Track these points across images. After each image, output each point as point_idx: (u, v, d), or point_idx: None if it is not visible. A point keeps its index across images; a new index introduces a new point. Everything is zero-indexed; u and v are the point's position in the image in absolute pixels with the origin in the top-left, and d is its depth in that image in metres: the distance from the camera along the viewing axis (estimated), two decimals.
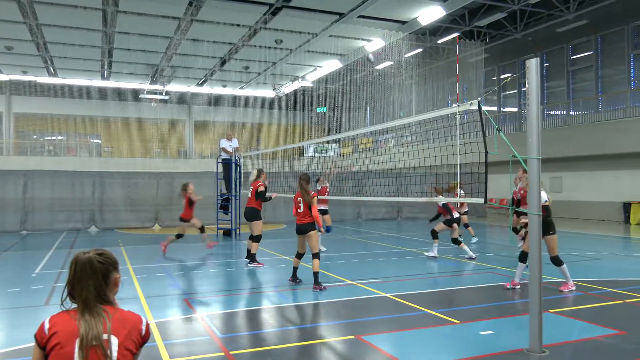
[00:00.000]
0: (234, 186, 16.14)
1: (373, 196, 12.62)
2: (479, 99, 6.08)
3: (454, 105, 6.90)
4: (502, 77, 26.30)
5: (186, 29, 20.92)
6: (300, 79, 29.00)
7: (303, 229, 8.43)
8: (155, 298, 7.73)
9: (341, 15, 19.41)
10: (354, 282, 8.71)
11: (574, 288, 7.96)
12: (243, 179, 15.88)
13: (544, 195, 7.50)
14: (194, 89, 31.89)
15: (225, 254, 13.72)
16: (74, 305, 2.21)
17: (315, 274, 8.23)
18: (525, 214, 10.48)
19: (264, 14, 19.29)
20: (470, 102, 6.16)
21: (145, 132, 32.09)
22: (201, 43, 22.40)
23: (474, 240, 14.49)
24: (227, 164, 16.25)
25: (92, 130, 33.22)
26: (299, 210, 8.50)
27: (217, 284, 9.03)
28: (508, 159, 5.39)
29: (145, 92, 28.59)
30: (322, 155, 23.10)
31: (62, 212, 18.43)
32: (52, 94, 29.61)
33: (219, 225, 17.01)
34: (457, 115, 7.22)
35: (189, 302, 7.48)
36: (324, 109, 34.21)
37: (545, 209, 7.59)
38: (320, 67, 27.04)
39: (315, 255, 8.39)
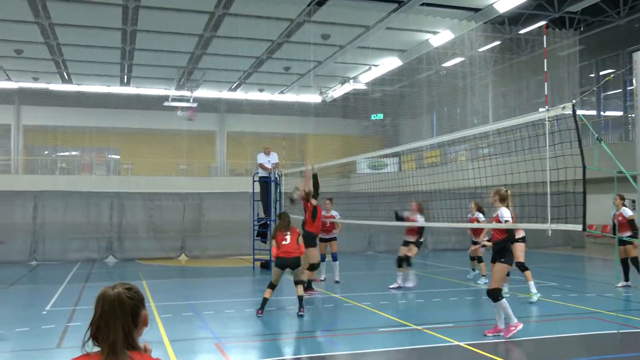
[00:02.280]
0: (273, 209, 16.29)
1: (441, 221, 12.45)
2: (574, 101, 5.96)
3: (541, 109, 6.80)
4: (601, 73, 25.62)
5: (217, 25, 21.48)
6: (351, 81, 29.16)
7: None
8: (182, 342, 7.88)
9: (400, 3, 19.48)
10: (419, 327, 8.60)
11: None
12: (284, 201, 16.02)
13: (628, 211, 7.32)
14: (226, 94, 32.57)
15: (263, 290, 13.82)
16: (96, 349, 2.30)
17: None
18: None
19: (308, 5, 19.59)
20: (562, 106, 6.06)
21: (169, 146, 32.92)
22: (234, 41, 22.91)
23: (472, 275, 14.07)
24: (265, 182, 16.44)
25: (109, 144, 34.35)
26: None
27: (254, 327, 9.11)
28: (612, 175, 5.25)
29: (170, 99, 29.41)
30: (379, 171, 23.04)
31: (75, 239, 19.07)
32: (66, 103, 30.88)
33: (256, 256, 17.15)
34: (546, 122, 7.08)
35: (220, 347, 7.57)
36: (380, 116, 34.17)
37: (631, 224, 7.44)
38: (376, 65, 27.12)
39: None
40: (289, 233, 9.69)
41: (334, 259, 13.51)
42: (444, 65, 27.05)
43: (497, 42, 24.49)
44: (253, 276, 15.69)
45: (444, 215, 11.17)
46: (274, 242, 9.86)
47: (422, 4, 19.31)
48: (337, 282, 13.27)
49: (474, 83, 27.24)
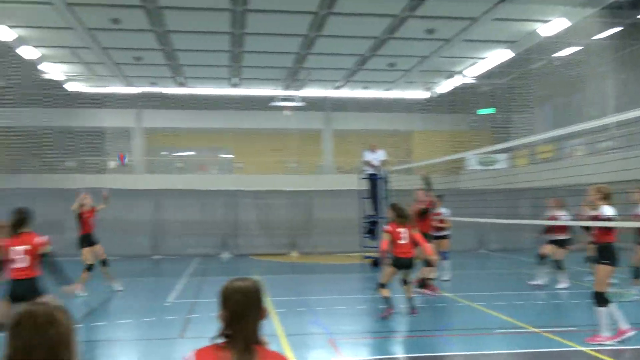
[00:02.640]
0: (381, 206, 16.27)
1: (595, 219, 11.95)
2: None
3: None
4: None
5: (321, 25, 21.70)
6: (458, 75, 28.52)
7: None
8: (297, 336, 8.08)
9: None
10: (537, 330, 8.29)
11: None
12: (393, 198, 15.96)
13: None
14: (331, 93, 32.86)
15: (373, 288, 13.86)
16: (219, 340, 2.40)
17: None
18: None
19: (411, 0, 19.37)
20: None
21: (278, 145, 33.71)
22: (338, 39, 23.05)
23: None
24: (372, 179, 16.45)
25: (222, 144, 35.68)
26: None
27: (365, 324, 9.17)
28: None
29: (277, 99, 30.11)
30: (490, 168, 22.39)
31: (192, 236, 20.06)
32: (182, 105, 32.44)
33: (366, 254, 17.20)
34: None
35: (334, 343, 7.68)
36: (490, 110, 33.13)
37: None
38: (484, 58, 26.32)
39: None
40: (404, 230, 9.20)
41: (444, 257, 13.27)
42: (557, 55, 25.79)
43: (617, 29, 23.02)
44: (363, 274, 15.77)
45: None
46: (386, 235, 9.22)
47: None
48: (445, 280, 13.06)
49: (591, 72, 25.78)
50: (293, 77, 29.08)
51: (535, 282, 12.12)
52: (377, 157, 16.36)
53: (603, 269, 7.41)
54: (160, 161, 34.81)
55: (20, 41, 21.82)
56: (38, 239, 6.62)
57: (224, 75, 29.42)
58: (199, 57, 25.67)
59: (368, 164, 16.41)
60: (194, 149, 35.85)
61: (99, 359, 7.10)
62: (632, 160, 8.51)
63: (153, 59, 25.91)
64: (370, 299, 11.75)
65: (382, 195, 16.33)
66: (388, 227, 9.26)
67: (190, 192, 21.19)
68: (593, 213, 7.69)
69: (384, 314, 8.92)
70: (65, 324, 2.09)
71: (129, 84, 30.25)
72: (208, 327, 8.44)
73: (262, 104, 31.97)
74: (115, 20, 20.12)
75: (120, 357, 7.44)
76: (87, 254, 11.57)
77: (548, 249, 11.99)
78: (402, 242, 9.07)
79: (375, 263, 16.56)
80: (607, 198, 7.56)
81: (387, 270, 9.27)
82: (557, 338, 7.69)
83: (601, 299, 7.33)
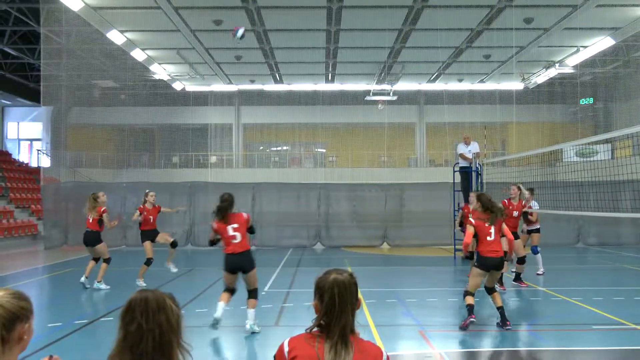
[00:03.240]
0: None
1: None
2: None
3: None
4: None
5: (416, 18, 21.46)
6: (557, 65, 27.28)
7: (500, 264, 8.09)
8: (387, 327, 8.09)
9: None
10: (638, 327, 7.84)
11: None
12: (486, 191, 15.55)
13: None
14: (425, 86, 32.47)
15: (466, 280, 13.60)
16: (313, 329, 2.47)
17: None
18: None
19: None
20: None
21: (371, 138, 33.70)
22: (433, 32, 22.70)
23: None
24: (465, 172, 16.12)
25: (316, 139, 36.18)
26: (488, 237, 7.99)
27: (456, 317, 9.02)
28: None
29: (371, 93, 30.11)
30: (589, 159, 21.31)
31: (288, 227, 20.52)
32: (278, 102, 33.19)
33: (457, 247, 16.91)
34: None
35: (424, 335, 7.63)
36: (590, 100, 31.49)
37: None
38: (585, 47, 25.03)
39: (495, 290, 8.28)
40: (492, 225, 7.84)
41: (534, 252, 12.77)
42: None
43: None
44: (454, 266, 15.53)
45: None
46: (470, 228, 7.90)
47: None
48: (539, 274, 12.59)
49: None
50: (387, 72, 28.97)
51: None
52: (470, 149, 16.00)
53: None
54: (258, 156, 35.72)
55: (131, 44, 23.11)
56: (245, 216, 8.10)
57: (319, 72, 29.77)
58: (296, 54, 26.12)
59: (462, 156, 16.09)
60: (289, 143, 36.53)
61: (202, 344, 7.44)
62: None
63: (252, 58, 26.64)
64: (462, 293, 11.55)
65: (475, 187, 15.96)
66: (472, 220, 7.95)
67: (286, 185, 21.64)
68: None
69: (463, 324, 7.80)
70: (174, 310, 2.21)
71: (229, 82, 31.29)
72: (301, 316, 8.71)
73: (356, 98, 32.10)
74: (218, 22, 20.85)
75: (220, 343, 7.76)
76: (148, 248, 11.98)
77: None
78: (490, 238, 7.75)
79: (470, 256, 16.23)
80: None
81: (474, 273, 8.04)
82: None
83: None
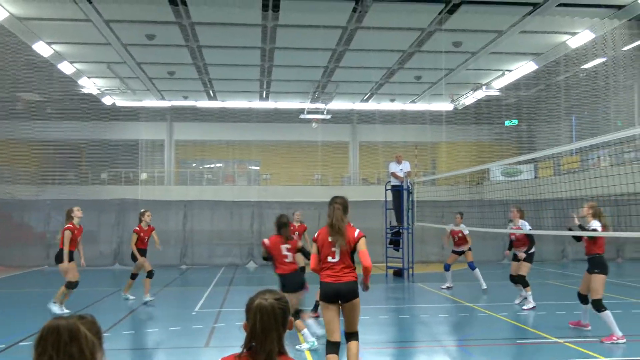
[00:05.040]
0: (405, 217, 16.19)
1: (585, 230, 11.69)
2: None
3: None
4: None
5: (350, 39, 21.76)
6: (484, 87, 28.29)
7: (344, 291, 6.10)
8: (321, 346, 8.01)
9: (535, 5, 18.61)
10: (560, 340, 8.11)
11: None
12: (417, 209, 15.87)
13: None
14: (358, 105, 32.91)
15: (396, 298, 13.77)
16: (243, 350, 2.41)
17: None
18: None
19: (440, 13, 19.30)
20: None
21: (305, 156, 33.86)
22: (366, 53, 23.07)
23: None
24: (397, 191, 16.38)
25: (250, 157, 36.01)
26: (330, 258, 6.15)
27: (388, 333, 9.08)
28: None
29: (305, 112, 30.26)
30: (514, 179, 22.13)
31: (220, 245, 20.23)
32: (211, 119, 32.83)
33: (389, 264, 17.13)
34: None
35: None
36: (514, 122, 32.82)
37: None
38: (510, 70, 26.07)
39: (355, 337, 6.19)
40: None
41: (471, 267, 13.18)
42: (583, 66, 25.42)
43: None
44: (386, 284, 15.66)
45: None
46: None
47: (559, 5, 18.30)
48: (485, 289, 13.01)
49: (617, 84, 25.35)
50: (321, 91, 29.20)
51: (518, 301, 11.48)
52: (402, 168, 16.30)
53: (597, 277, 8.22)
54: (190, 173, 35.19)
55: (59, 57, 22.34)
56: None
57: (253, 89, 29.68)
58: (230, 71, 25.93)
59: (393, 175, 16.36)
60: (222, 160, 36.19)
61: None
62: None
63: (185, 74, 26.25)
64: (393, 309, 11.68)
65: (406, 206, 16.25)
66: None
67: (218, 203, 21.36)
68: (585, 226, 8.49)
69: None
70: (89, 339, 2.08)
71: (162, 98, 30.73)
72: (233, 336, 8.49)
73: (289, 117, 32.17)
74: (150, 36, 20.46)
75: None
76: (146, 263, 11.90)
77: (515, 268, 11.28)
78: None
79: (399, 273, 16.49)
80: (597, 214, 8.40)
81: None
82: (579, 349, 7.52)
83: (601, 305, 8.05)
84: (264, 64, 25.11)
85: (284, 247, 7.73)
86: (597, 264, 8.31)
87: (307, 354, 7.58)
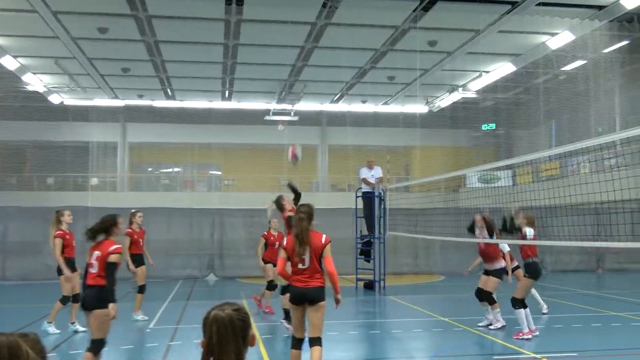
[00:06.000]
0: (377, 226, 16.30)
1: (561, 240, 11.95)
2: None
3: None
4: None
5: (319, 36, 21.85)
6: (460, 89, 28.68)
7: (311, 296, 6.75)
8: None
9: (514, 4, 18.99)
10: (538, 356, 8.29)
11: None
12: (389, 217, 16.00)
13: None
14: (327, 107, 33.01)
15: (366, 312, 13.85)
16: None
17: None
18: None
19: (414, 11, 19.53)
20: None
21: (270, 161, 33.78)
22: (337, 51, 23.18)
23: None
24: (368, 198, 16.49)
25: (211, 161, 35.75)
26: (300, 265, 6.66)
27: (358, 350, 9.14)
28: None
29: (271, 113, 30.23)
30: (491, 186, 22.47)
31: (178, 256, 20.02)
32: (169, 119, 32.46)
33: (359, 276, 17.21)
34: None
35: None
36: (492, 126, 33.33)
37: None
38: (487, 72, 26.50)
39: (319, 342, 6.79)
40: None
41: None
42: (563, 69, 25.98)
43: (625, 42, 23.24)
44: (356, 297, 15.73)
45: (564, 232, 10.72)
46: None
47: (539, 4, 18.70)
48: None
49: (598, 87, 25.98)
50: (288, 90, 29.21)
51: (484, 323, 11.05)
52: (373, 174, 16.41)
53: (526, 281, 9.71)
54: (145, 178, 34.82)
55: (1, 50, 21.92)
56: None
57: (215, 88, 29.53)
58: (190, 68, 25.76)
59: (364, 181, 16.46)
60: (181, 165, 35.90)
61: None
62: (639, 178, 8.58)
63: (141, 71, 25.99)
64: (363, 324, 11.76)
65: (378, 214, 16.35)
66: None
67: (176, 210, 21.17)
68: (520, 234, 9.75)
69: None
70: (31, 356, 2.07)
71: (115, 97, 30.37)
72: (190, 355, 8.45)
73: (254, 118, 32.05)
74: (103, 30, 20.22)
75: None
76: (141, 273, 11.91)
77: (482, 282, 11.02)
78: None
79: (370, 285, 16.57)
80: (530, 222, 9.81)
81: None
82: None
83: (520, 303, 9.45)
84: (227, 62, 25.02)
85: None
86: (531, 269, 9.69)
87: (262, 348, 7.61)
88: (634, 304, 13.48)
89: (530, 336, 9.41)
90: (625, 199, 8.64)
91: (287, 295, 8.71)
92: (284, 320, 10.34)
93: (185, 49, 22.93)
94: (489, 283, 10.60)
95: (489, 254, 10.66)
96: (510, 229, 10.05)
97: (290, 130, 31.38)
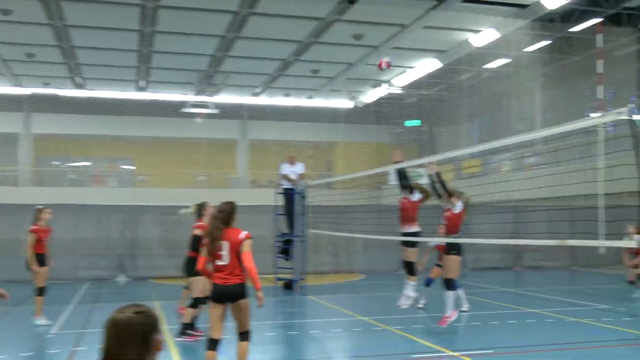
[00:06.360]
0: (298, 223, 16.29)
1: (481, 237, 12.26)
2: (630, 105, 5.82)
3: (594, 115, 6.66)
4: None
5: (241, 25, 21.64)
6: (385, 84, 29.11)
7: (229, 293, 6.85)
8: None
9: (440, 0, 19.41)
10: (455, 354, 8.46)
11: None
12: (310, 215, 15.99)
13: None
14: (248, 99, 32.77)
15: (285, 312, 13.80)
16: None
17: None
18: None
19: (340, 3, 19.64)
20: (617, 111, 5.92)
21: (187, 155, 33.27)
22: (259, 42, 23.05)
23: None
24: (289, 195, 16.45)
25: (123, 155, 34.82)
26: (218, 261, 6.82)
27: (275, 352, 9.06)
28: None
29: (188, 105, 29.72)
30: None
31: (85, 256, 19.37)
32: (78, 110, 31.35)
33: (279, 275, 17.15)
34: (600, 129, 6.93)
35: None
36: (416, 123, 34.00)
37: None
38: (412, 67, 27.00)
39: (245, 337, 6.94)
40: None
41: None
42: (486, 67, 26.79)
43: (547, 42, 24.17)
44: (275, 297, 15.65)
45: (485, 230, 11.01)
46: None
47: (464, 1, 19.19)
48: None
49: (519, 86, 26.94)
50: (207, 82, 28.81)
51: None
52: (295, 170, 16.38)
53: (453, 258, 9.59)
54: (51, 172, 33.54)
55: None
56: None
57: (129, 77, 28.76)
58: (102, 56, 24.97)
59: (285, 177, 16.40)
60: (90, 158, 34.81)
61: None
62: (557, 176, 8.88)
63: (48, 57, 25.04)
64: (282, 325, 11.70)
65: (299, 211, 16.34)
66: None
67: (84, 207, 20.48)
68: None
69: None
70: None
71: (18, 84, 29.11)
72: None
73: (170, 110, 31.47)
74: (6, 11, 19.31)
75: None
76: (43, 275, 11.44)
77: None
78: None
79: (289, 285, 16.55)
80: (458, 195, 9.75)
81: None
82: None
83: (451, 285, 9.48)
84: (142, 50, 24.41)
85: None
86: (454, 246, 9.61)
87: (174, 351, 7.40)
88: (549, 301, 14.00)
89: (456, 315, 9.60)
90: (542, 197, 8.93)
91: (194, 309, 9.74)
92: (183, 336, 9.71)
93: (97, 34, 22.20)
94: (408, 253, 10.51)
95: (409, 212, 10.48)
96: (440, 190, 9.77)
97: (209, 124, 31.01)
